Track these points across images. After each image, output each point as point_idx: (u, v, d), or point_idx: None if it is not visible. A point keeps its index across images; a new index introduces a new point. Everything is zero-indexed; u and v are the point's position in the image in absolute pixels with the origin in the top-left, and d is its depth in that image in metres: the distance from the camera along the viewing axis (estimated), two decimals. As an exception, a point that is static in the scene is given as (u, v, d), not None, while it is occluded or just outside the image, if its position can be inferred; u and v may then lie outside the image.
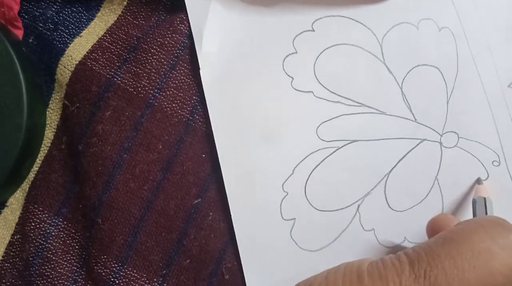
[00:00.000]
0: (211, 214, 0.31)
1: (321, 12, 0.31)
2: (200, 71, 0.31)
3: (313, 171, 0.31)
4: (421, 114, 0.31)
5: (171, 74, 0.31)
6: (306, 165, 0.31)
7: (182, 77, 0.31)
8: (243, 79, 0.31)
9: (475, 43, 0.31)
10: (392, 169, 0.31)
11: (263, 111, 0.31)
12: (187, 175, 0.31)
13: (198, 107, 0.31)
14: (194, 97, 0.31)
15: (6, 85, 0.29)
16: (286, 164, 0.31)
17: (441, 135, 0.31)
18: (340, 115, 0.31)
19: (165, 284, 0.30)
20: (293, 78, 0.31)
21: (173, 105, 0.31)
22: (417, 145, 0.31)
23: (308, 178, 0.31)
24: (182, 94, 0.31)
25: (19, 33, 0.31)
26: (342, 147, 0.31)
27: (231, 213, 0.30)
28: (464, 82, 0.31)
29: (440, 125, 0.31)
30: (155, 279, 0.30)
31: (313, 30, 0.31)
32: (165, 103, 0.31)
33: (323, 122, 0.31)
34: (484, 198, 0.29)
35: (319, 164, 0.31)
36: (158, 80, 0.31)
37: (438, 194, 0.31)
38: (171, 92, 0.31)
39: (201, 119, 0.31)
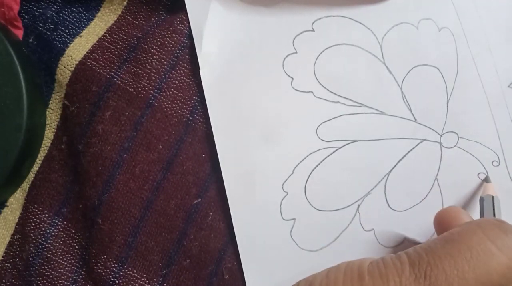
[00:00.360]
0: (211, 214, 0.31)
1: (321, 12, 0.31)
2: (200, 71, 0.31)
3: (313, 171, 0.31)
4: (421, 115, 0.31)
5: (171, 74, 0.31)
6: (306, 165, 0.31)
7: (182, 77, 0.31)
8: (243, 79, 0.31)
9: (475, 43, 0.31)
10: (392, 169, 0.31)
11: (263, 111, 0.31)
12: (187, 175, 0.31)
13: (198, 107, 0.31)
14: (194, 97, 0.31)
15: (6, 85, 0.29)
16: (286, 164, 0.31)
17: (441, 136, 0.31)
18: (340, 116, 0.31)
19: (165, 284, 0.30)
20: (293, 78, 0.31)
21: (173, 105, 0.31)
22: (417, 145, 0.31)
23: (308, 178, 0.31)
24: (182, 94, 0.31)
25: (19, 33, 0.31)
26: (342, 147, 0.31)
27: (231, 213, 0.30)
28: (464, 82, 0.31)
29: (440, 125, 0.31)
30: (155, 279, 0.30)
31: (313, 30, 0.31)
32: (165, 103, 0.31)
33: (323, 123, 0.31)
34: (492, 197, 0.29)
35: (319, 164, 0.31)
36: (158, 80, 0.31)
37: (438, 194, 0.31)
38: (171, 92, 0.31)
39: (201, 120, 0.31)
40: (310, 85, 0.31)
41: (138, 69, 0.30)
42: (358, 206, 0.31)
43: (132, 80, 0.31)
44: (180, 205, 0.30)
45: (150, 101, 0.31)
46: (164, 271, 0.30)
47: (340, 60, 0.31)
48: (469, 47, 0.31)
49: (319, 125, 0.31)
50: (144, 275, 0.30)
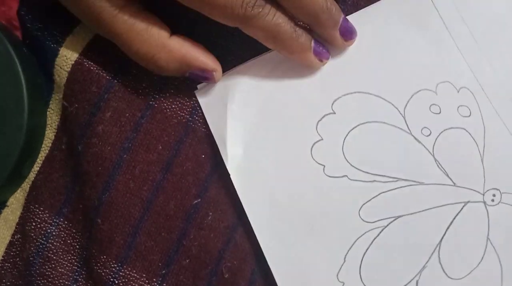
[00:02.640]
0: (210, 214, 0.31)
1: (338, 90, 0.31)
2: (231, 176, 0.30)
3: (364, 255, 0.30)
4: (459, 178, 0.30)
5: (171, 75, 0.30)
6: (356, 250, 0.30)
7: (182, 78, 0.31)
8: (275, 175, 0.30)
9: (495, 96, 0.31)
10: (442, 237, 0.30)
11: (302, 203, 0.30)
12: (187, 175, 0.31)
13: (198, 108, 0.31)
14: (194, 98, 0.31)
15: (7, 85, 0.29)
16: (336, 253, 0.30)
17: (483, 195, 0.30)
18: (379, 194, 0.30)
19: (164, 284, 0.30)
20: (324, 165, 0.30)
21: (173, 106, 0.31)
22: (462, 208, 0.30)
23: (361, 263, 0.30)
24: (181, 95, 0.31)
25: (19, 33, 0.31)
26: (388, 225, 0.30)
27: None
28: (494, 136, 0.31)
29: (480, 184, 0.30)
30: (154, 279, 0.30)
31: (334, 113, 0.31)
32: (165, 104, 0.31)
33: (364, 204, 0.30)
34: None
35: (368, 247, 0.30)
36: (158, 81, 0.31)
37: (494, 254, 0.30)
38: (171, 93, 0.31)
39: (201, 120, 0.31)
40: (343, 169, 0.30)
41: (137, 71, 0.30)
42: (417, 281, 0.30)
43: (132, 81, 0.31)
44: (180, 205, 0.31)
45: (150, 102, 0.31)
46: (164, 271, 0.30)
47: (367, 139, 0.31)
48: (490, 101, 0.31)
49: (361, 207, 0.30)
50: (144, 275, 0.30)
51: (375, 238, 0.30)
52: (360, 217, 0.30)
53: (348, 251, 0.30)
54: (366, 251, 0.30)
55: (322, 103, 0.31)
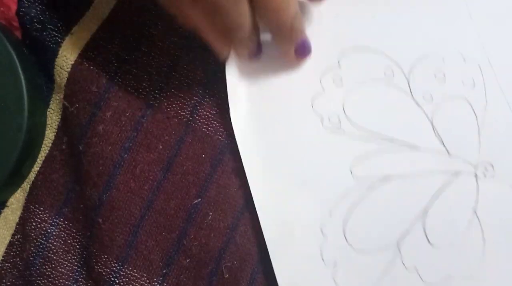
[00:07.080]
0: (211, 213, 0.31)
1: (346, 44, 0.31)
2: (232, 120, 0.30)
3: (350, 211, 0.30)
4: (453, 147, 0.30)
5: (171, 75, 0.31)
6: (344, 206, 0.30)
7: (182, 77, 0.31)
8: (274, 121, 0.31)
9: (502, 73, 0.31)
10: (429, 204, 0.30)
11: (297, 154, 0.30)
12: (187, 175, 0.31)
13: (198, 108, 0.31)
14: (194, 98, 0.31)
15: (7, 85, 0.29)
16: (323, 208, 0.30)
17: (476, 168, 0.30)
18: (373, 153, 0.30)
19: (165, 284, 0.30)
20: (323, 118, 0.31)
21: (173, 106, 0.31)
22: (452, 178, 0.30)
23: (345, 219, 0.30)
24: (182, 95, 0.31)
25: (19, 33, 0.31)
26: (378, 185, 0.30)
27: (273, 263, 0.30)
28: (494, 112, 0.31)
29: (474, 157, 0.31)
30: (155, 279, 0.30)
31: (340, 67, 0.31)
32: (165, 104, 0.31)
33: (356, 161, 0.30)
34: None
35: (356, 205, 0.30)
36: (158, 81, 0.31)
37: (478, 228, 0.30)
38: (171, 93, 0.31)
39: (201, 120, 0.31)
40: (341, 123, 0.31)
41: (138, 71, 0.30)
42: (399, 244, 0.30)
43: (132, 81, 0.31)
44: (180, 204, 0.31)
45: (151, 102, 0.31)
46: (164, 271, 0.30)
47: (368, 97, 0.31)
48: (496, 77, 0.31)
49: (353, 164, 0.30)
50: (144, 275, 0.30)
51: (363, 197, 0.30)
52: (351, 174, 0.30)
53: (336, 206, 0.30)
54: (353, 208, 0.30)
55: (328, 56, 0.31)
